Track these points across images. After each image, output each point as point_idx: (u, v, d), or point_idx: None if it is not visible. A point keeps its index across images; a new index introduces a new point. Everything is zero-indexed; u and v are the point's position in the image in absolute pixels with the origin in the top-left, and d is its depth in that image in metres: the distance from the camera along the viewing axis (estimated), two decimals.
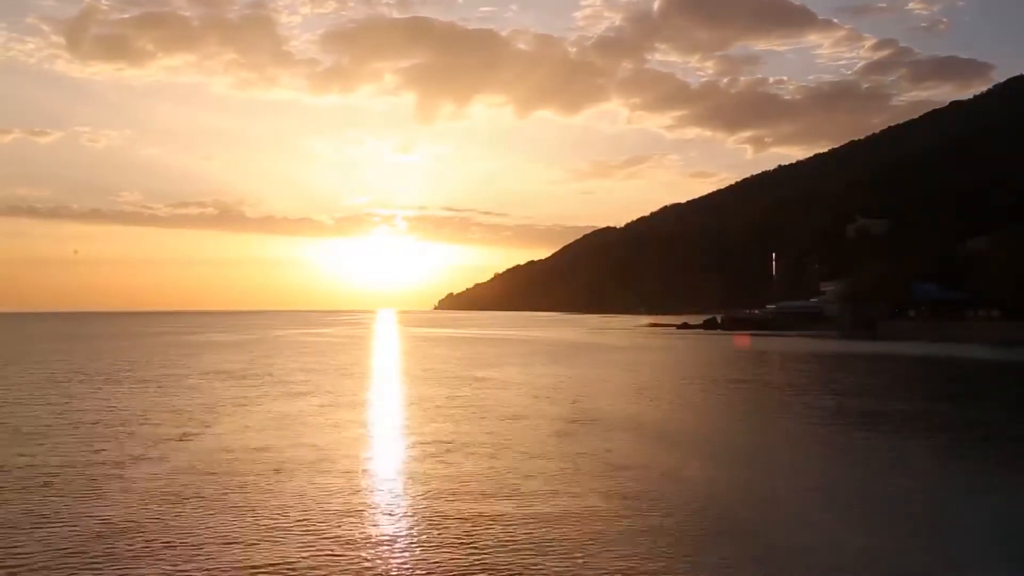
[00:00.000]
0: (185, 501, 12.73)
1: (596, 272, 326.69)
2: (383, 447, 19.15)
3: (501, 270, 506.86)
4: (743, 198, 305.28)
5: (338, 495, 13.27)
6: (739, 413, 26.08)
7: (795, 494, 13.90)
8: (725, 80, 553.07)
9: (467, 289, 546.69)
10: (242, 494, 13.27)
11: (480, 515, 11.90)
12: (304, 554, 10.06)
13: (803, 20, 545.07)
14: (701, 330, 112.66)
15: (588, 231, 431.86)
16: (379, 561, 9.88)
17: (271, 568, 9.54)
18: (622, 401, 27.74)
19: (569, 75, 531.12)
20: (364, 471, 15.68)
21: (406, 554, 10.19)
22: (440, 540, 10.71)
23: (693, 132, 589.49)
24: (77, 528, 11.16)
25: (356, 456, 17.26)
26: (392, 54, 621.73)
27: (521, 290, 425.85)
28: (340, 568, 9.59)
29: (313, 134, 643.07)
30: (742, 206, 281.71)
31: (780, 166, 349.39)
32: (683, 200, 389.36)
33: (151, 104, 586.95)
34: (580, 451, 17.31)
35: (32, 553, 10.05)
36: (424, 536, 10.94)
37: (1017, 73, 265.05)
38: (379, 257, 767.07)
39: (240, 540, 10.63)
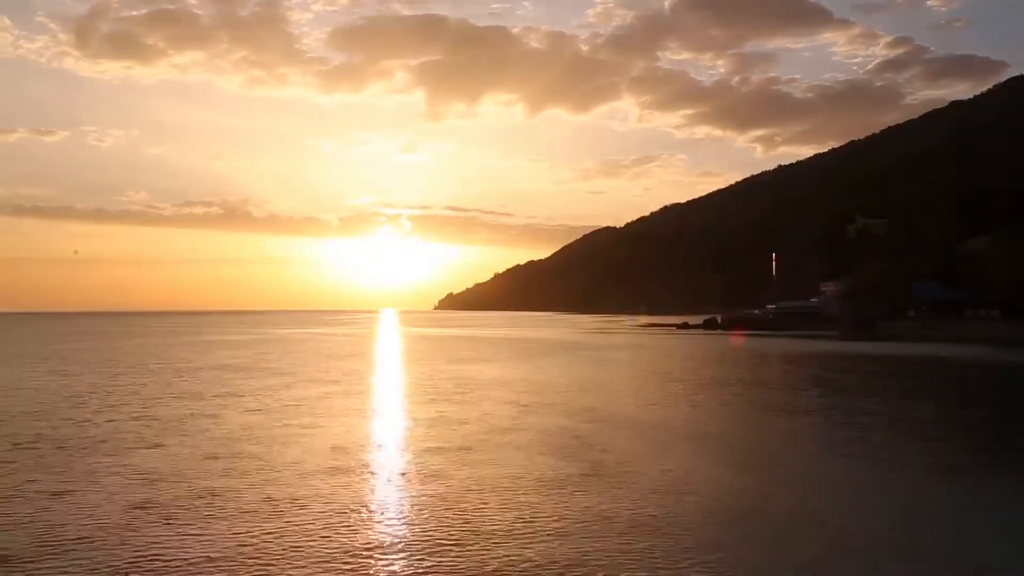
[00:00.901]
0: (217, 458, 16.44)
1: (595, 272, 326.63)
2: (375, 421, 22.87)
3: (501, 270, 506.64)
4: (743, 198, 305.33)
5: (334, 454, 16.99)
6: (673, 400, 27.96)
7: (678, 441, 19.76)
8: (736, 79, 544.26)
9: (467, 289, 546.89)
10: (259, 452, 17.25)
11: (449, 459, 16.59)
12: (309, 487, 13.88)
13: (818, 18, 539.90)
14: (701, 330, 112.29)
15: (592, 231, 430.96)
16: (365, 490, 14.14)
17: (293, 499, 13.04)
18: (575, 390, 30.55)
19: (580, 73, 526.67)
20: (358, 437, 19.66)
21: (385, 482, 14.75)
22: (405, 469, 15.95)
23: (703, 131, 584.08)
24: (145, 471, 15.11)
25: (354, 427, 21.29)
26: (403, 51, 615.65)
27: (520, 290, 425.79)
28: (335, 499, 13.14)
29: (321, 133, 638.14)
30: (742, 206, 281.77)
31: (780, 166, 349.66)
32: (684, 200, 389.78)
33: (159, 103, 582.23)
34: (529, 423, 21.81)
35: (109, 483, 14.29)
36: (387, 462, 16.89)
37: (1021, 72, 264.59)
38: (383, 257, 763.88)
39: (262, 479, 14.73)
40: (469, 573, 9.38)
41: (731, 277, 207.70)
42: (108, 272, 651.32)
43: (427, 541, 10.54)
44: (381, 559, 9.83)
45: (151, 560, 9.73)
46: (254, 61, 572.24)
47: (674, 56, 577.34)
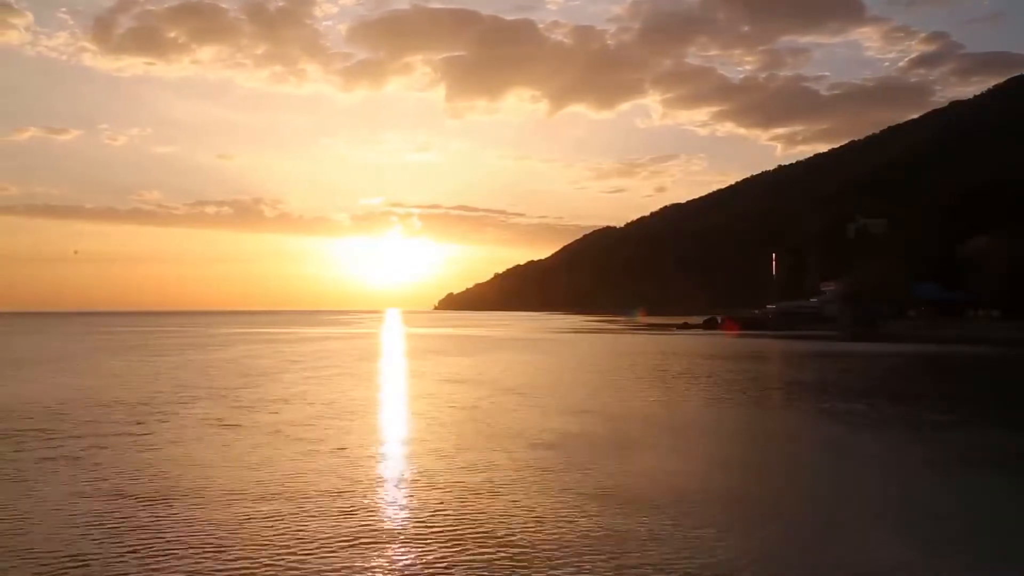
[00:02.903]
0: (247, 408, 24.60)
1: (594, 272, 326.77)
2: (369, 392, 30.99)
3: (503, 270, 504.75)
4: (743, 197, 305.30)
5: (337, 406, 25.21)
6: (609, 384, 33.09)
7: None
8: (764, 75, 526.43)
9: (467, 289, 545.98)
10: (283, 408, 24.77)
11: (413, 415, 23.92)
12: (321, 425, 21.13)
13: (853, 13, 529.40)
14: (701, 330, 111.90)
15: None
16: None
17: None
18: (526, 378, 36.27)
19: (606, 69, 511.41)
20: (356, 404, 26.56)
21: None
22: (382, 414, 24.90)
23: (727, 128, 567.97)
24: (205, 417, 22.40)
25: (355, 397, 28.62)
26: (427, 46, 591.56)
27: (519, 290, 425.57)
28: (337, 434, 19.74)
29: (337, 131, 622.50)
30: (742, 205, 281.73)
31: (780, 165, 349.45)
32: (684, 200, 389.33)
33: (175, 100, 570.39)
34: (466, 395, 28.84)
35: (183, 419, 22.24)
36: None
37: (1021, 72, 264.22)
38: (393, 257, 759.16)
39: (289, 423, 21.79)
40: None
41: (731, 277, 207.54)
42: (118, 271, 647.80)
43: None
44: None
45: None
46: (276, 56, 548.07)
47: (702, 52, 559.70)
